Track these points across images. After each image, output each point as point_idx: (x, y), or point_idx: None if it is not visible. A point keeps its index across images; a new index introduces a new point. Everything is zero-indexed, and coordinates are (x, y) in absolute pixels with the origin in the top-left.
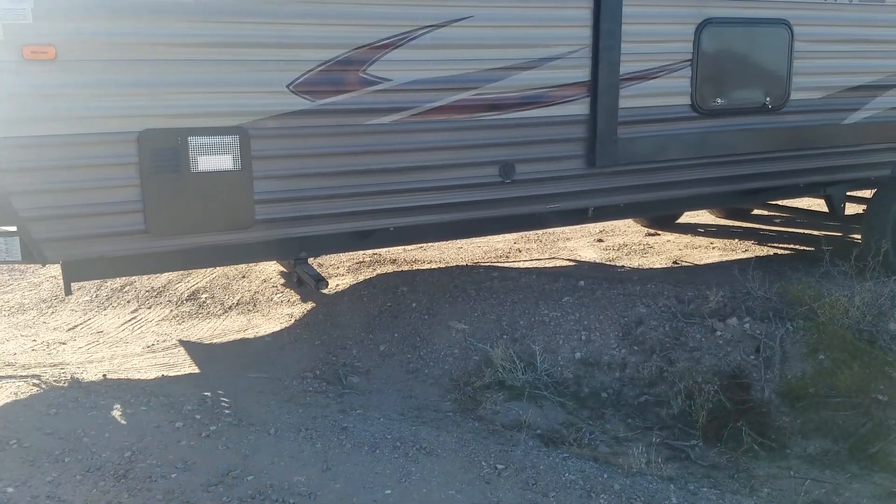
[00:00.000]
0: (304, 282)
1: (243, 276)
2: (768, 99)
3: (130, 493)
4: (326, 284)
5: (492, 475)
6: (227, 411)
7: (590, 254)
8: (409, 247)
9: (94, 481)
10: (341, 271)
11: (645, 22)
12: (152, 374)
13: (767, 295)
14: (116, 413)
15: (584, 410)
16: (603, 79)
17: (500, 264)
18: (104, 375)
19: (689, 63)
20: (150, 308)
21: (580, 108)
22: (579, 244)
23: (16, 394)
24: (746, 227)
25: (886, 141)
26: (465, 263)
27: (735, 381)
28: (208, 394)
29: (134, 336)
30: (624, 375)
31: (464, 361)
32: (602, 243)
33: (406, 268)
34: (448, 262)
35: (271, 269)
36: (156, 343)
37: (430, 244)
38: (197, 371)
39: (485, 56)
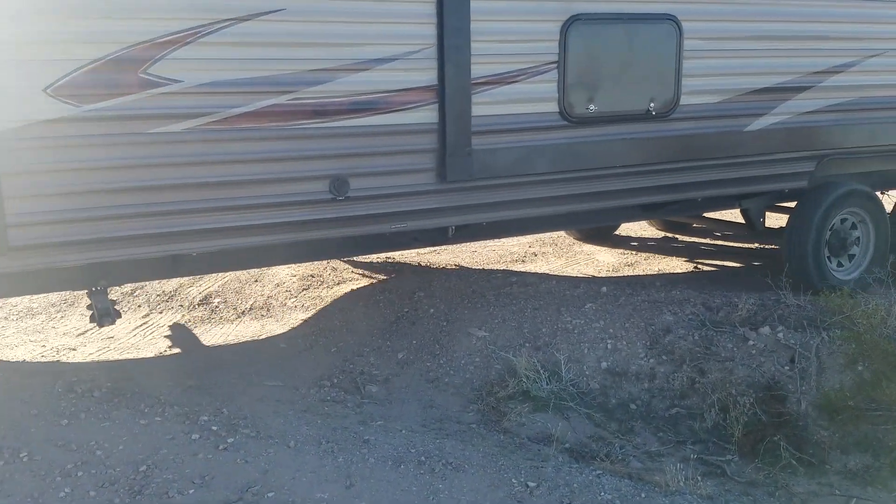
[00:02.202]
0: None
1: (256, 281)
2: (652, 105)
3: None
4: (112, 321)
5: (524, 493)
6: (244, 422)
7: (607, 258)
8: (422, 250)
9: (108, 497)
10: (355, 276)
11: (498, 19)
12: (166, 382)
13: (800, 303)
14: (130, 424)
15: (612, 423)
16: (451, 83)
17: (517, 269)
18: (117, 383)
19: (555, 65)
20: (161, 313)
21: (426, 115)
22: (595, 248)
23: (26, 403)
24: (688, 241)
25: (800, 149)
26: (480, 268)
27: (770, 394)
28: (224, 404)
29: (146, 342)
30: (653, 386)
31: (485, 370)
32: (617, 249)
33: (421, 272)
34: (463, 265)
35: (285, 272)
36: (168, 349)
37: (442, 248)
38: (211, 380)
39: (303, 55)
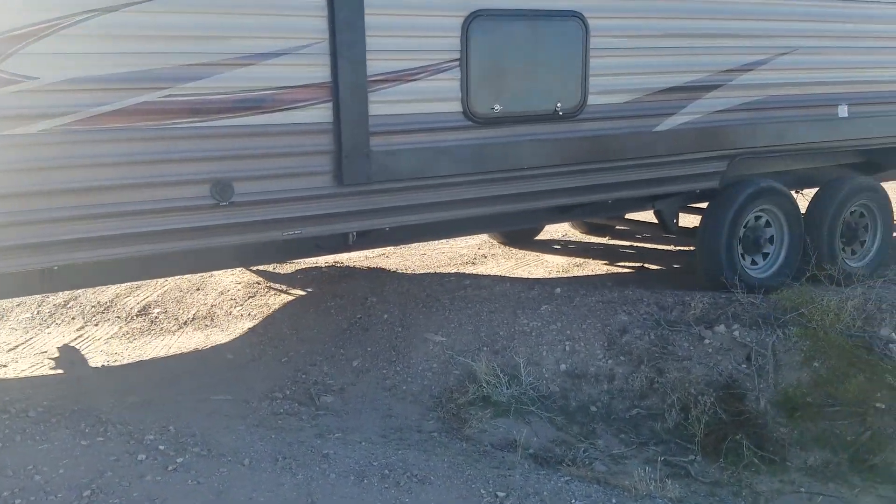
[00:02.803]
0: None
1: (198, 289)
2: (559, 105)
3: None
4: None
5: None
6: (192, 440)
7: (557, 259)
8: (369, 254)
9: None
10: (303, 282)
11: (394, 13)
12: (107, 399)
13: (753, 300)
14: (70, 446)
15: (573, 426)
16: (345, 80)
17: (468, 271)
18: (53, 402)
19: (457, 63)
20: (97, 325)
21: (319, 114)
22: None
23: None
24: (609, 244)
25: (711, 149)
26: (432, 271)
27: (729, 392)
28: (171, 421)
29: (82, 357)
30: (612, 387)
31: (444, 376)
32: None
33: (371, 276)
34: (414, 270)
35: (229, 279)
36: (106, 364)
37: (390, 249)
38: (155, 395)
39: (177, 48)
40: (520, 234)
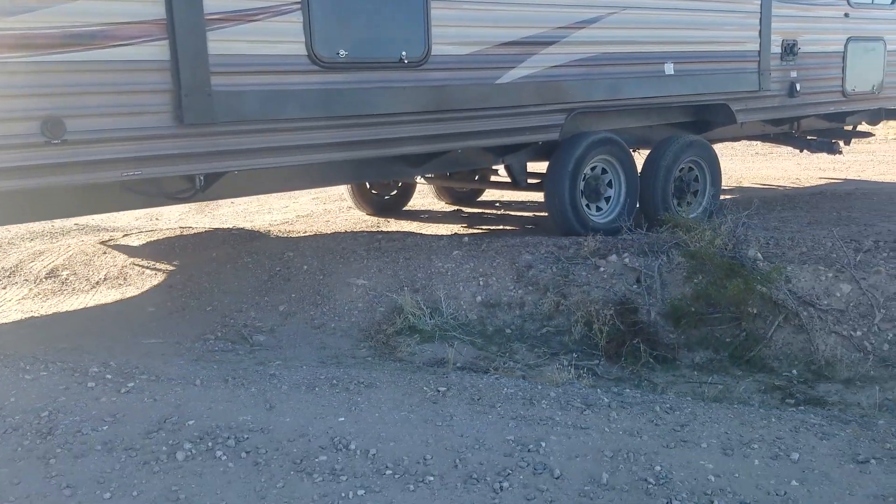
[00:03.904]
0: None
1: (105, 253)
2: (405, 53)
3: (63, 446)
4: None
5: (437, 396)
6: (137, 371)
7: (452, 226)
8: (273, 220)
9: (17, 441)
10: (215, 242)
11: None
12: (37, 346)
13: (638, 237)
14: (15, 380)
15: (492, 346)
16: (181, 17)
17: (380, 230)
18: None
19: (298, 5)
20: (5, 288)
21: (156, 51)
22: (440, 214)
23: None
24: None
25: (549, 102)
26: (342, 231)
27: (624, 307)
28: (109, 359)
29: None
30: (524, 312)
31: (370, 313)
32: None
33: (283, 238)
34: (321, 231)
35: (136, 243)
36: (25, 319)
37: (294, 217)
38: (84, 342)
39: None
40: (390, 204)
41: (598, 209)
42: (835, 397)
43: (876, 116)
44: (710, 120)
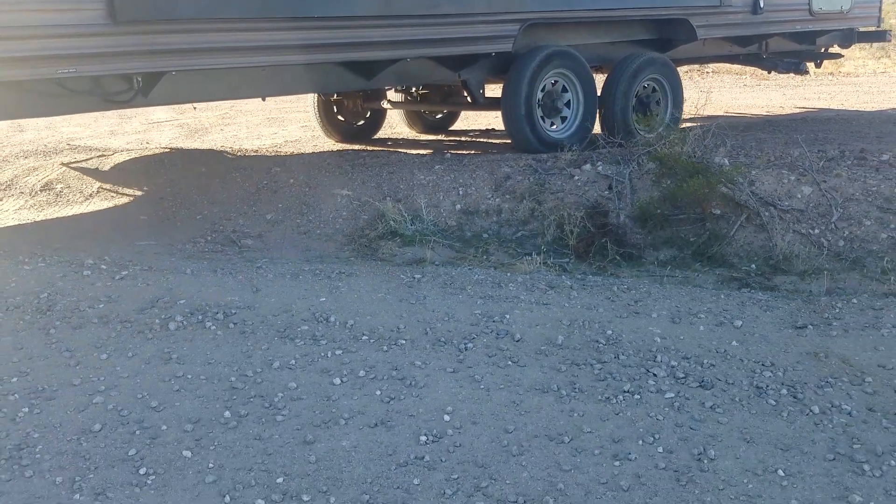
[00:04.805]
0: None
1: (97, 168)
2: None
3: (62, 320)
4: None
5: (412, 282)
6: (131, 263)
7: (434, 146)
8: (261, 146)
9: (18, 317)
10: (202, 161)
11: None
12: (34, 246)
13: (611, 149)
14: (14, 269)
15: (470, 248)
16: None
17: (365, 149)
18: None
19: None
20: (1, 200)
21: None
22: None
23: None
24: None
25: (501, 11)
26: (327, 150)
27: (595, 211)
28: (104, 254)
29: None
30: (500, 219)
31: (353, 220)
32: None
33: (271, 156)
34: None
35: (125, 160)
36: (21, 225)
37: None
38: (79, 243)
39: None
40: (359, 132)
41: (553, 125)
42: (789, 286)
43: (848, 39)
44: (671, 38)
